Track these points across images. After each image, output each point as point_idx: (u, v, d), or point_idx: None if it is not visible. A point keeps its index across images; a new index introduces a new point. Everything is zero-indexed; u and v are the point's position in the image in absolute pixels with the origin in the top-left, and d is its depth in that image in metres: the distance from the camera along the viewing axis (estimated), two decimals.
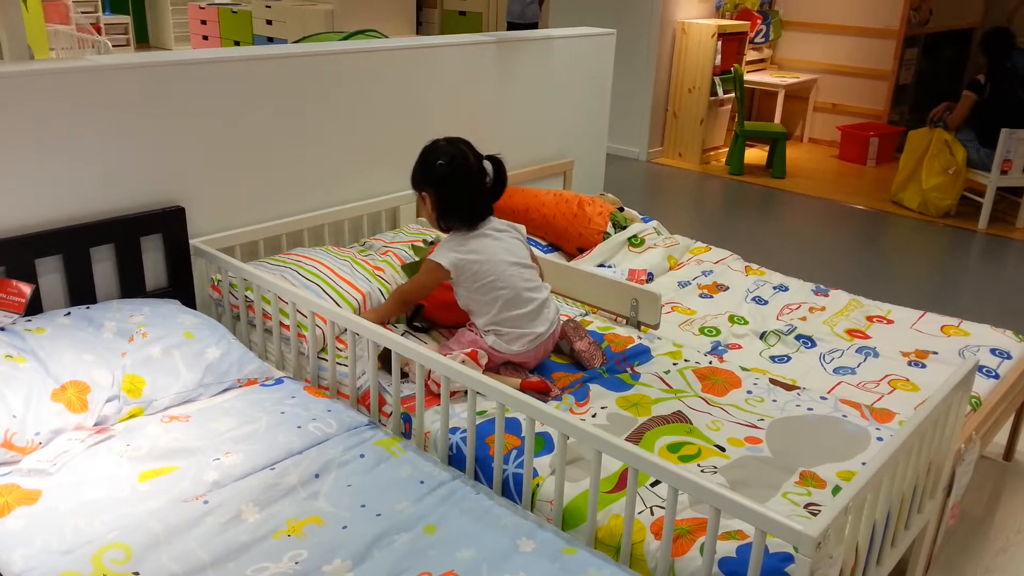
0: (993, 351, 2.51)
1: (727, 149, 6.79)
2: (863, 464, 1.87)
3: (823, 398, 2.18)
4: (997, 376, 2.38)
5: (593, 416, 2.06)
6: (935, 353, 2.51)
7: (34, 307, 2.16)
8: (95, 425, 1.87)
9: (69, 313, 2.13)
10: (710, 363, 2.35)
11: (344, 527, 1.61)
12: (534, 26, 7.13)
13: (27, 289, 2.10)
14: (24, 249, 2.15)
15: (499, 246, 2.24)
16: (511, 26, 7.16)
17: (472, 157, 2.23)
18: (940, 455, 1.95)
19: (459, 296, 2.27)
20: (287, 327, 2.33)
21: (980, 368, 2.39)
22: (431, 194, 2.23)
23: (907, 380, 2.36)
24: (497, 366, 2.20)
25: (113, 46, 7.13)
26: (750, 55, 7.18)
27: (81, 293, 2.28)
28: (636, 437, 1.97)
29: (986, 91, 5.31)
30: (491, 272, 2.19)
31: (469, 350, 2.14)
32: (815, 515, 1.64)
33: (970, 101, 5.35)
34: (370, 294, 2.50)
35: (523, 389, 2.04)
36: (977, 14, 7.43)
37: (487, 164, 2.24)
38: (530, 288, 2.24)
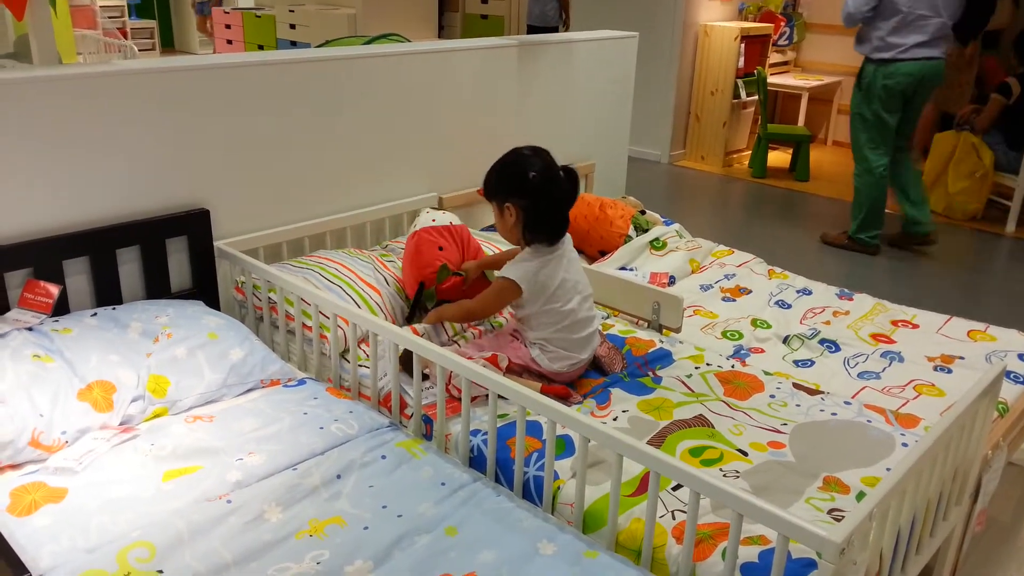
0: (1021, 356, 2.48)
1: (750, 152, 6.76)
2: (888, 470, 1.85)
3: (847, 403, 2.16)
4: None
5: (614, 419, 2.05)
6: (961, 358, 2.48)
7: (61, 308, 2.19)
8: (120, 424, 1.89)
9: (95, 314, 2.15)
10: (732, 367, 2.34)
11: (365, 528, 1.62)
12: (555, 30, 7.12)
13: (55, 290, 2.12)
14: (52, 250, 2.18)
15: (573, 270, 2.19)
16: (531, 29, 7.16)
17: (556, 168, 2.14)
18: (966, 461, 1.93)
19: (521, 309, 2.20)
20: (310, 328, 2.34)
21: (1007, 374, 2.36)
22: (519, 206, 2.12)
23: (932, 385, 2.34)
24: (520, 370, 2.20)
25: (139, 51, 7.21)
26: (773, 57, 7.15)
27: (107, 294, 2.31)
28: (658, 441, 1.96)
29: (1014, 94, 5.25)
30: (563, 297, 2.15)
31: (489, 354, 2.14)
32: (839, 521, 1.63)
33: (999, 104, 5.29)
34: (391, 297, 2.51)
35: (543, 393, 2.04)
36: (1006, 15, 7.34)
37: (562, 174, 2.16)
38: (588, 317, 2.22)
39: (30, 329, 2.03)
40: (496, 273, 2.24)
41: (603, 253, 3.17)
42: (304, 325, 2.35)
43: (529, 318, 2.21)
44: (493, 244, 2.81)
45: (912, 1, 4.29)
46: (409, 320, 2.47)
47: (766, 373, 2.32)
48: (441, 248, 2.48)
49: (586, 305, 2.22)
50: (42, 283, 2.13)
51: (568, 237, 2.23)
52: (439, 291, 2.44)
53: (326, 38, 6.03)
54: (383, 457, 1.84)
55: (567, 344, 2.19)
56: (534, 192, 2.11)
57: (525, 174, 2.11)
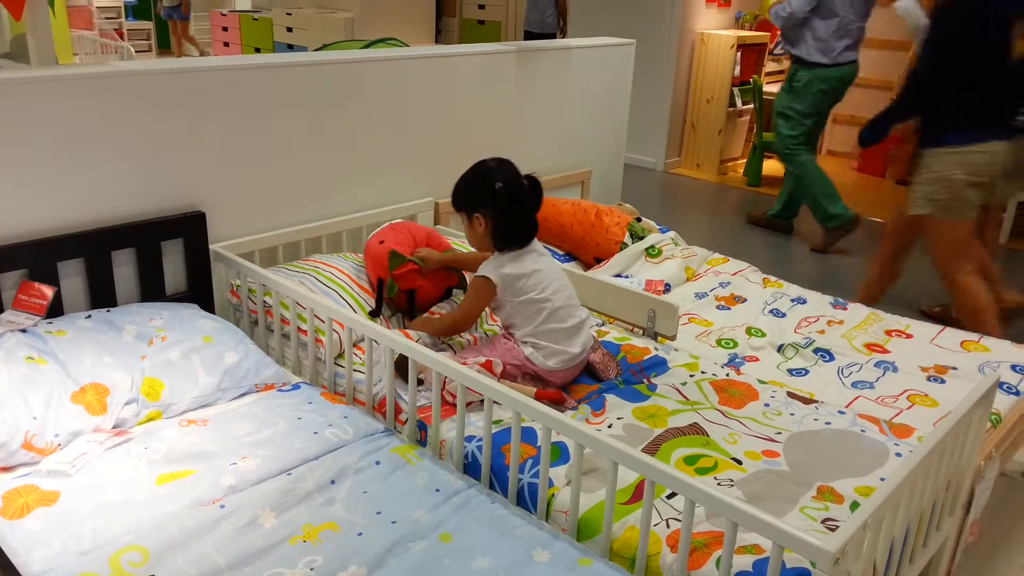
0: (1014, 367, 2.49)
1: (745, 160, 6.78)
2: (881, 480, 1.86)
3: (841, 412, 2.16)
4: (1018, 393, 2.36)
5: (609, 427, 2.06)
6: (955, 368, 2.49)
7: (55, 309, 2.18)
8: (114, 428, 1.88)
9: (90, 316, 2.15)
10: (727, 375, 2.34)
11: (359, 534, 1.61)
12: (552, 37, 7.13)
13: (49, 291, 2.12)
14: (46, 252, 2.18)
15: (545, 263, 2.26)
16: (529, 35, 7.18)
17: (520, 177, 2.24)
18: (959, 472, 1.93)
19: (501, 309, 2.26)
20: (305, 332, 2.34)
21: (1000, 384, 2.37)
22: (487, 215, 2.21)
23: (926, 395, 2.34)
24: (515, 376, 2.20)
25: (135, 52, 7.21)
26: (769, 66, 7.17)
27: (102, 296, 2.30)
28: (652, 448, 1.96)
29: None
30: (536, 286, 2.20)
31: (483, 360, 2.14)
32: (833, 530, 1.63)
33: None
34: (386, 302, 2.51)
35: (538, 399, 2.04)
36: None
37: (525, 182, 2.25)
38: (571, 306, 2.25)
39: (24, 331, 2.02)
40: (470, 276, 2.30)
41: (599, 260, 3.17)
42: (299, 329, 2.35)
43: (510, 316, 2.24)
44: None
45: (846, 6, 4.54)
46: (374, 315, 2.46)
47: (760, 382, 2.32)
48: (382, 242, 2.50)
49: (564, 294, 2.25)
50: (36, 285, 2.12)
51: (535, 239, 2.29)
52: (396, 278, 2.44)
53: (323, 41, 6.04)
54: (377, 463, 1.84)
55: (556, 337, 2.20)
56: (501, 201, 2.19)
57: (491, 185, 2.20)
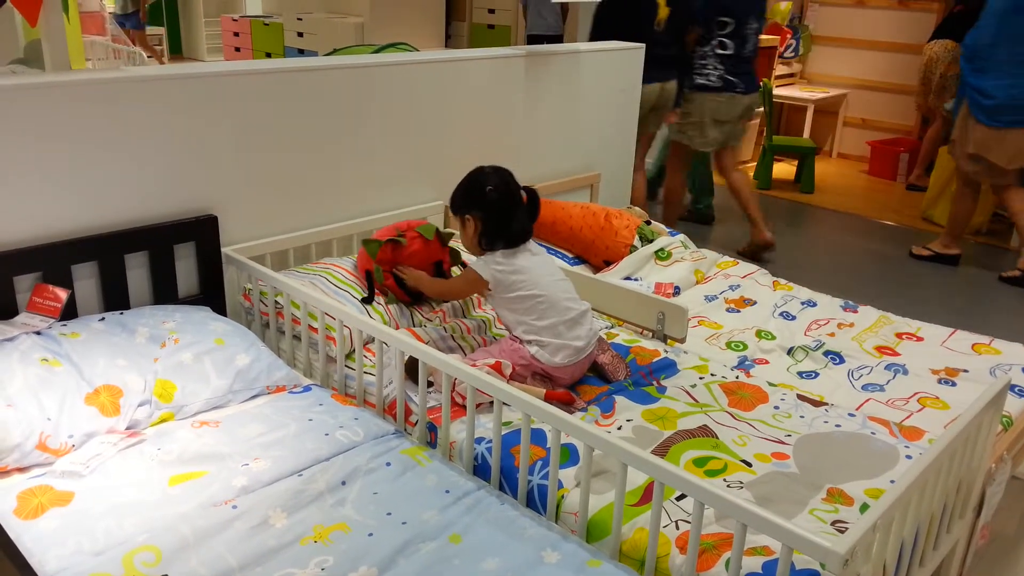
0: None
1: (755, 163, 6.77)
2: (891, 482, 1.85)
3: (851, 415, 2.16)
4: None
5: (619, 428, 2.06)
6: (966, 371, 2.48)
7: (69, 312, 2.20)
8: (127, 429, 1.90)
9: (103, 318, 2.16)
10: (737, 378, 2.34)
11: (370, 534, 1.62)
12: (561, 39, 7.13)
13: (63, 294, 2.14)
14: (61, 255, 2.20)
15: (537, 261, 2.30)
16: (536, 39, 7.16)
17: (515, 185, 2.31)
18: (970, 474, 1.93)
19: (498, 309, 2.31)
20: (316, 331, 2.35)
21: (1012, 387, 2.36)
22: (477, 218, 2.28)
23: (937, 398, 2.34)
24: (524, 376, 2.21)
25: (147, 57, 7.24)
26: (779, 69, 7.17)
27: (115, 299, 2.32)
28: (662, 450, 1.97)
29: None
30: (528, 283, 2.23)
31: (492, 361, 2.15)
32: (842, 532, 1.63)
33: None
34: (396, 304, 2.52)
35: (547, 400, 2.04)
36: None
37: (523, 194, 2.33)
38: (568, 298, 2.28)
39: (38, 333, 2.04)
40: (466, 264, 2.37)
41: (608, 263, 3.18)
42: (311, 328, 2.36)
43: (508, 314, 2.28)
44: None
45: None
46: (366, 302, 2.48)
47: (770, 384, 2.32)
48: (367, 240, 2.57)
49: (559, 287, 2.28)
50: (51, 287, 2.14)
51: (531, 241, 2.33)
52: (380, 262, 2.49)
53: (334, 46, 6.06)
54: (388, 464, 1.85)
55: (557, 331, 2.22)
56: (491, 204, 2.27)
57: (483, 188, 2.28)
